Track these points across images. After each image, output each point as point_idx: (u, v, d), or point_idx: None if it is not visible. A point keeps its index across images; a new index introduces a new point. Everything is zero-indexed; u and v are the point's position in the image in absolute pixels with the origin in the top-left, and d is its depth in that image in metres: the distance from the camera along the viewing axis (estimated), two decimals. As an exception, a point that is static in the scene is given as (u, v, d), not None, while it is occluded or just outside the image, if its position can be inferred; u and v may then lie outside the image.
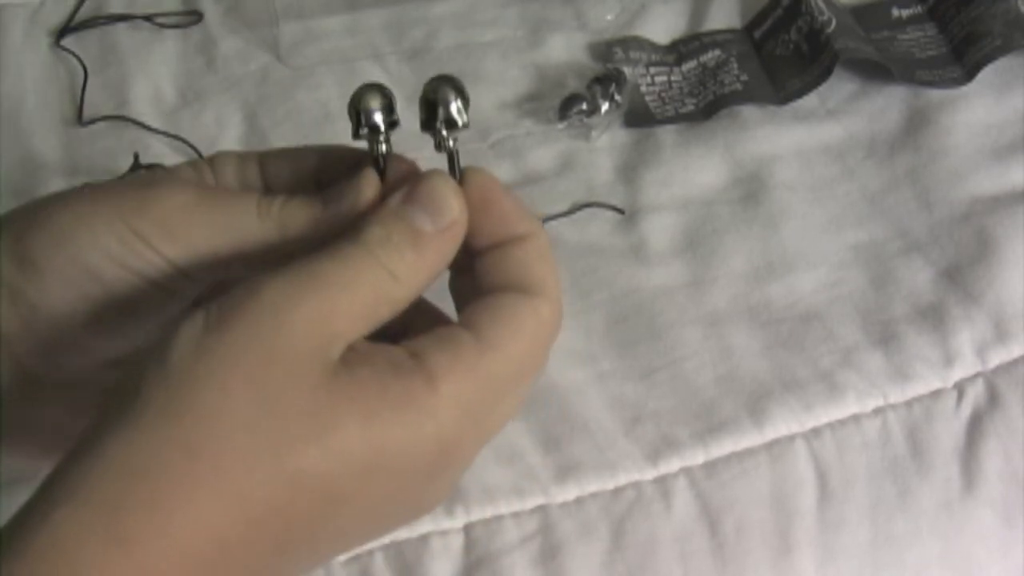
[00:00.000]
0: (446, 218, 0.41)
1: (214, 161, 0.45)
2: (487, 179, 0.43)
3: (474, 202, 0.42)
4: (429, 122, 0.42)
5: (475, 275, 0.42)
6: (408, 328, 0.41)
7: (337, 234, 0.41)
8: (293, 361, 0.37)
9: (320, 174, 0.45)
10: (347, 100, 0.70)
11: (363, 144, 0.43)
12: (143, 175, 0.44)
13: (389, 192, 0.42)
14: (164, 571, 0.35)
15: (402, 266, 0.40)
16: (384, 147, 0.43)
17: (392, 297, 0.40)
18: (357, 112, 0.42)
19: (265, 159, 0.46)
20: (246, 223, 0.42)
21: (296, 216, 0.42)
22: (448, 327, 0.41)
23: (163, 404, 0.36)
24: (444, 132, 0.42)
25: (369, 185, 0.42)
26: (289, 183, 0.45)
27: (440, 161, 0.43)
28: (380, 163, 0.43)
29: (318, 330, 0.38)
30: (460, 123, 0.42)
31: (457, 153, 0.42)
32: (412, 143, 0.45)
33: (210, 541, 0.35)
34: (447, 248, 0.41)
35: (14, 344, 0.42)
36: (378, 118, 0.42)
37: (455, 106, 0.42)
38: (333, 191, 0.43)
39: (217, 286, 0.43)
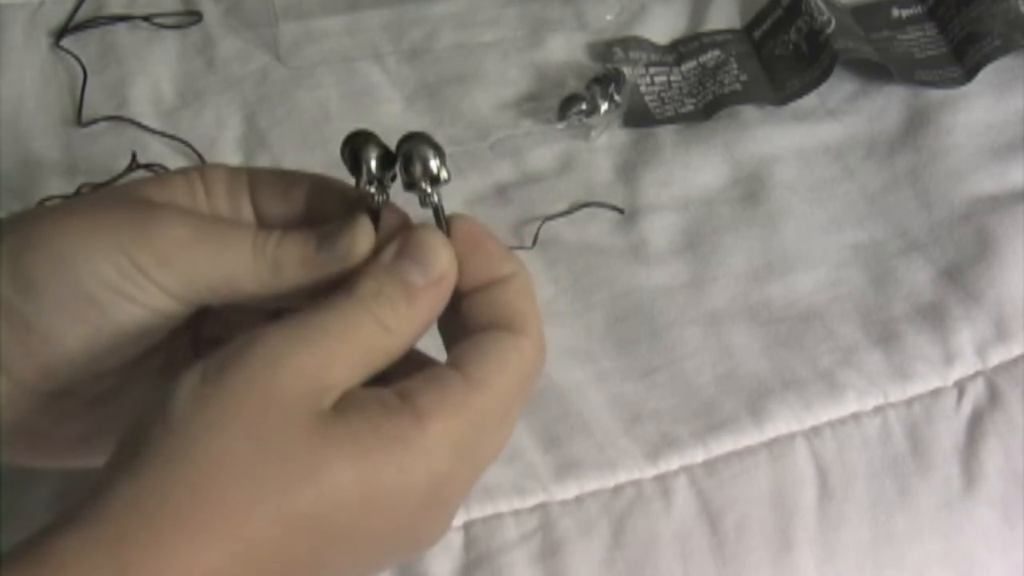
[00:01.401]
0: (436, 271, 0.42)
1: (206, 176, 0.46)
2: (473, 226, 0.44)
3: (461, 248, 0.43)
4: (412, 182, 0.44)
5: (461, 315, 0.44)
6: (399, 371, 0.42)
7: (331, 279, 0.43)
8: (288, 409, 0.39)
9: (312, 203, 0.46)
10: (347, 101, 0.71)
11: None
12: (139, 193, 0.45)
13: (382, 241, 0.44)
14: None
15: (395, 319, 0.41)
16: (382, 198, 0.44)
17: (385, 348, 0.41)
18: (358, 162, 0.44)
19: (256, 179, 0.46)
20: (241, 260, 0.43)
21: (289, 256, 0.44)
22: (436, 367, 0.42)
23: (167, 452, 0.38)
24: (428, 189, 0.43)
25: (364, 235, 0.44)
26: (279, 209, 0.46)
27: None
28: (375, 209, 0.44)
29: (312, 380, 0.39)
30: (442, 179, 0.44)
31: (442, 207, 0.44)
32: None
33: None
34: (438, 299, 0.43)
35: (10, 361, 0.42)
36: (379, 171, 0.44)
37: (435, 163, 0.43)
38: (326, 233, 0.44)
39: (212, 314, 0.46)
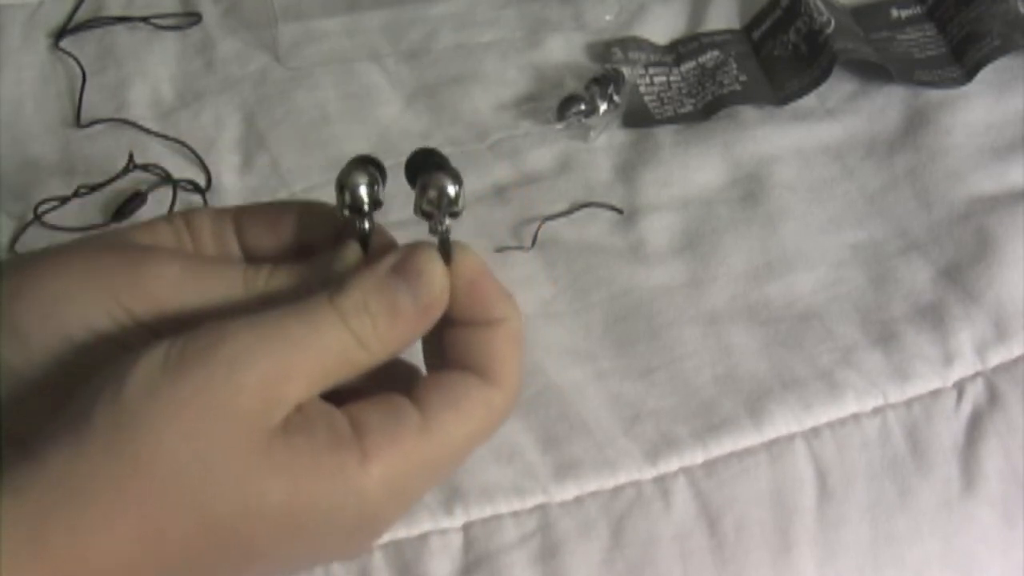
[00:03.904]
0: (427, 299, 0.42)
1: (190, 221, 0.46)
2: (475, 262, 0.43)
3: (458, 282, 0.43)
4: (428, 209, 0.43)
5: (443, 343, 0.43)
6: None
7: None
8: (235, 420, 0.38)
9: (301, 232, 0.46)
10: (346, 102, 0.71)
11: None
12: (126, 238, 0.45)
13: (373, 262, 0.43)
14: None
15: (373, 337, 0.41)
16: (367, 225, 0.43)
17: (356, 362, 0.41)
18: (342, 188, 0.43)
19: (241, 216, 0.46)
20: (233, 296, 0.43)
21: (281, 289, 0.43)
22: (398, 400, 0.42)
23: (108, 436, 0.37)
24: (446, 221, 0.42)
25: (354, 264, 0.43)
26: (268, 243, 0.46)
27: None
28: (363, 238, 0.44)
29: (268, 392, 0.39)
30: (460, 210, 0.42)
31: (449, 237, 0.43)
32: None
33: (120, 569, 0.37)
34: (421, 325, 0.42)
35: None
36: (363, 193, 0.43)
37: (453, 190, 0.42)
38: (316, 265, 0.44)
39: None
